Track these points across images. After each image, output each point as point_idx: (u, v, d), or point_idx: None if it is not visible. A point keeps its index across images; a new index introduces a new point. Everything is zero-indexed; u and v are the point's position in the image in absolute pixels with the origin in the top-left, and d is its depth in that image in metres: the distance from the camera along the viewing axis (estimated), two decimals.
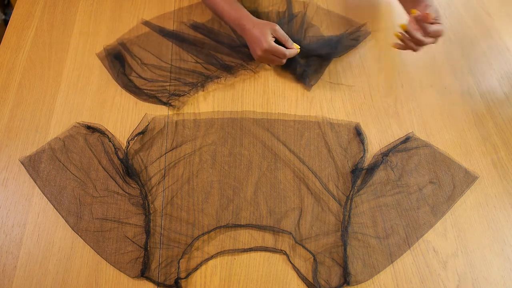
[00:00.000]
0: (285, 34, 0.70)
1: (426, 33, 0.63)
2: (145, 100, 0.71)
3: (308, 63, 0.75)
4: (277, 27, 0.69)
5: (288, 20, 0.81)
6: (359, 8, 0.86)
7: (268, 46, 0.67)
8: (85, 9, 0.84)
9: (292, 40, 0.71)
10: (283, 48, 0.68)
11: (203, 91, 0.73)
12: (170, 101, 0.70)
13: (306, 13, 0.83)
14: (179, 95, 0.71)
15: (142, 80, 0.73)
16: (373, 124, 0.70)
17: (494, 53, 0.81)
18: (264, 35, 0.68)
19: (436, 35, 0.64)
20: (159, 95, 0.71)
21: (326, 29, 0.82)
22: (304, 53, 0.75)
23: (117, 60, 0.74)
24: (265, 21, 0.70)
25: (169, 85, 0.72)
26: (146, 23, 0.81)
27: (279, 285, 0.55)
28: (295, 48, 0.70)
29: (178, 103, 0.71)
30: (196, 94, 0.72)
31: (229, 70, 0.74)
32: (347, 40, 0.79)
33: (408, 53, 0.80)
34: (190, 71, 0.74)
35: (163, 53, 0.77)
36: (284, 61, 0.70)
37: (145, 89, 0.72)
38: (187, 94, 0.72)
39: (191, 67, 0.75)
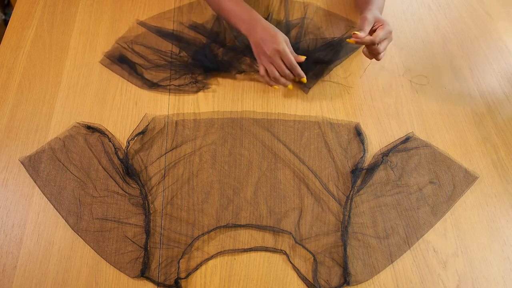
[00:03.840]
0: (292, 50, 0.68)
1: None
2: (174, 92, 0.72)
3: (308, 66, 0.73)
4: (288, 40, 0.68)
5: (286, 28, 0.80)
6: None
7: (281, 48, 0.65)
8: (85, 9, 0.84)
9: (294, 45, 0.71)
10: (292, 57, 0.67)
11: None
12: (195, 81, 0.72)
13: (306, 14, 0.83)
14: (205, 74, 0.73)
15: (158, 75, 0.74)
16: (373, 124, 0.70)
17: (494, 53, 0.81)
18: (278, 38, 0.66)
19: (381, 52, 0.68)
20: (180, 83, 0.72)
21: (326, 30, 0.81)
22: (305, 56, 0.74)
23: (125, 63, 0.74)
24: (279, 30, 0.68)
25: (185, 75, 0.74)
26: (142, 24, 0.80)
27: (279, 285, 0.55)
28: (301, 60, 0.68)
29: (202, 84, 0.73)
30: (196, 95, 0.72)
31: (228, 68, 0.74)
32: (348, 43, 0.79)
33: (408, 52, 0.80)
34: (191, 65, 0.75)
35: (162, 51, 0.77)
36: (287, 73, 0.67)
37: (162, 83, 0.72)
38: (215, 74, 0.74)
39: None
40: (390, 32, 0.67)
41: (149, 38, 0.79)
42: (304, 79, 0.69)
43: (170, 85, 0.72)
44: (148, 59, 0.75)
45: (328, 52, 0.76)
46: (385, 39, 0.67)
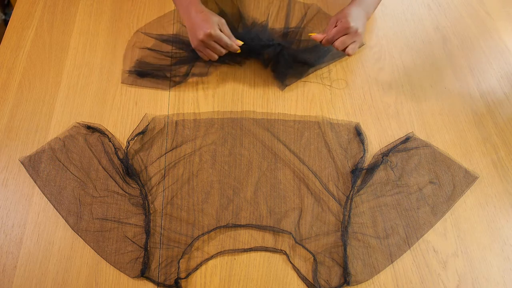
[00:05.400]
0: (229, 31, 0.68)
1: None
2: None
3: (290, 65, 0.73)
4: (224, 22, 0.68)
5: (285, 27, 0.80)
6: None
7: (213, 31, 0.65)
8: (85, 9, 0.84)
9: (283, 43, 0.71)
10: (227, 37, 0.67)
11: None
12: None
13: (306, 15, 0.83)
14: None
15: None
16: (373, 124, 0.70)
17: (494, 53, 0.81)
18: (210, 21, 0.66)
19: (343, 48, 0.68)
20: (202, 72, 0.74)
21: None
22: (291, 55, 0.73)
23: (147, 75, 0.73)
24: (214, 13, 0.68)
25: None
26: (146, 34, 0.79)
27: (279, 285, 0.55)
28: (238, 44, 0.69)
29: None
30: (196, 95, 0.72)
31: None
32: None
33: (408, 52, 0.80)
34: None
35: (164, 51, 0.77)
36: (224, 51, 0.68)
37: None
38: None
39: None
40: (347, 28, 0.66)
41: (159, 43, 0.78)
42: (239, 50, 0.69)
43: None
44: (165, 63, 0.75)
45: (314, 54, 0.76)
46: (343, 35, 0.66)
